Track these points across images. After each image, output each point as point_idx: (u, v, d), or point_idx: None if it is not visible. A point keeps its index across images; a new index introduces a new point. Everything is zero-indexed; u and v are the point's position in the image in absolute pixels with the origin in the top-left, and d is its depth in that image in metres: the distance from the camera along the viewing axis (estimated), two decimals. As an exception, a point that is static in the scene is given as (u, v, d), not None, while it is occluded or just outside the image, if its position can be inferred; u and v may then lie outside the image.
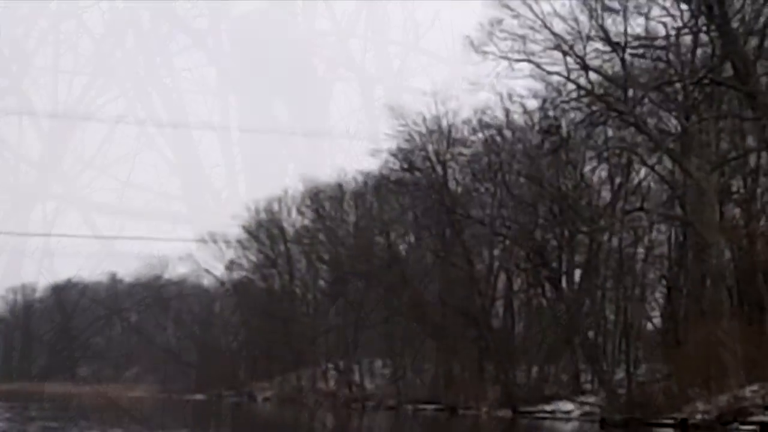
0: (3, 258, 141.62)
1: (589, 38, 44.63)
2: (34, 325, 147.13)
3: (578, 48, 44.84)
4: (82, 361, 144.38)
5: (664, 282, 53.42)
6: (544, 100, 50.10)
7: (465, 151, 65.89)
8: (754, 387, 38.13)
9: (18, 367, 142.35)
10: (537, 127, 54.80)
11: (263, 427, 51.93)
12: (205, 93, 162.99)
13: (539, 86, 48.92)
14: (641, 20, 44.99)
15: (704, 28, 44.24)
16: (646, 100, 45.38)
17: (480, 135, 63.00)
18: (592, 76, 45.84)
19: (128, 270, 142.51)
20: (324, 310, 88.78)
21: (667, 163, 49.75)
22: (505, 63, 45.05)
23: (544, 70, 45.75)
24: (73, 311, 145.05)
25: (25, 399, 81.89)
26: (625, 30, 44.61)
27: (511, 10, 44.22)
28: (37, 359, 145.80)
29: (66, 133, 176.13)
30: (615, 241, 55.70)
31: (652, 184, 53.68)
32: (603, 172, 56.20)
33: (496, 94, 55.27)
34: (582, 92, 46.38)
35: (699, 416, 38.44)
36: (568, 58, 45.01)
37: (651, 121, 46.69)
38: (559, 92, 47.84)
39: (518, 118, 57.50)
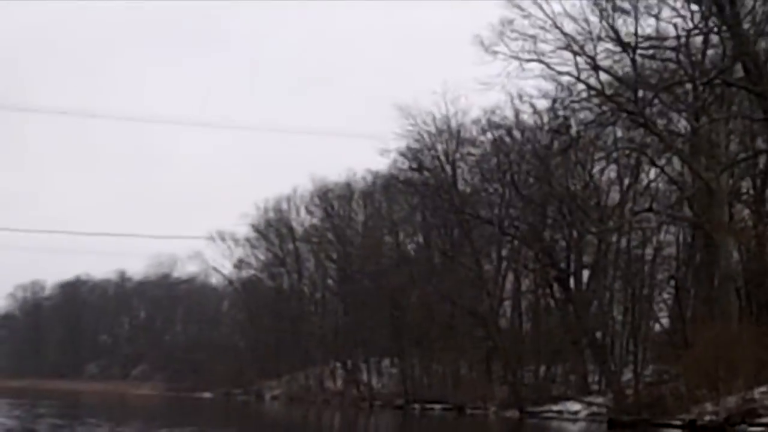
0: (11, 255, 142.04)
1: (599, 38, 44.57)
2: (43, 323, 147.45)
3: (589, 48, 44.79)
4: (91, 359, 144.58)
5: (672, 283, 53.26)
6: (554, 100, 50.08)
7: (474, 151, 65.90)
8: (763, 388, 38.04)
9: (27, 364, 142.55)
10: (546, 127, 54.81)
11: (271, 426, 51.96)
12: (210, 91, 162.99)
13: (549, 86, 48.86)
14: (652, 21, 44.93)
15: (715, 29, 44.16)
16: (656, 101, 45.28)
17: (489, 135, 63.06)
18: (603, 76, 45.79)
19: (137, 268, 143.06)
20: (332, 309, 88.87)
21: (677, 164, 49.69)
22: (515, 63, 44.98)
23: (554, 70, 45.68)
24: (82, 309, 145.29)
25: (34, 396, 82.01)
26: (636, 30, 44.54)
27: (522, 10, 44.15)
28: (45, 357, 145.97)
29: (72, 129, 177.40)
30: (623, 242, 55.67)
31: (661, 185, 53.57)
32: (612, 172, 56.17)
33: (506, 94, 55.42)
34: (592, 92, 46.31)
35: (707, 417, 38.35)
36: (579, 59, 44.95)
37: (661, 122, 46.62)
38: (569, 92, 47.82)
39: (528, 118, 57.46)
